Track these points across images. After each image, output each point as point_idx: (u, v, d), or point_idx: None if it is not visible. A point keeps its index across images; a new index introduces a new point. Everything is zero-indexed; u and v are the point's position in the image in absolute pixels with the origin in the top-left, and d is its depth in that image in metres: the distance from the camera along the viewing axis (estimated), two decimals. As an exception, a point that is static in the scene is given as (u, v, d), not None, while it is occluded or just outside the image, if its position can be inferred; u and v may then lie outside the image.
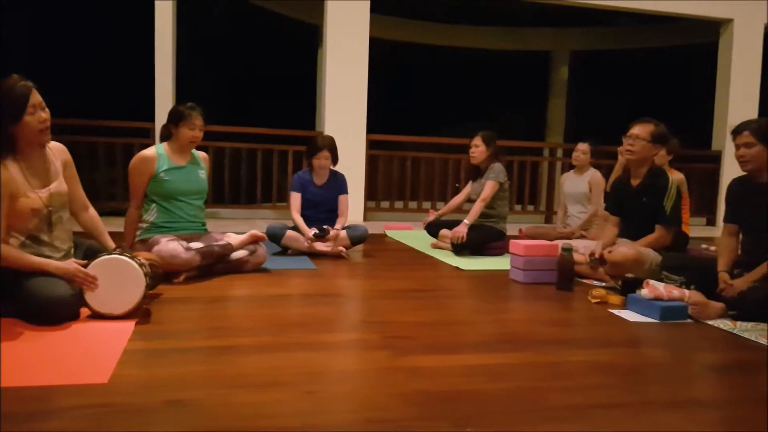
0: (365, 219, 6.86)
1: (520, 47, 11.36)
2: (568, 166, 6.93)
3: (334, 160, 4.41)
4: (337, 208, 4.41)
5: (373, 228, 5.84)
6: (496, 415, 1.70)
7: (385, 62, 9.75)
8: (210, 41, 9.56)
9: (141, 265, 2.52)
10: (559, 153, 8.56)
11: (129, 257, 2.53)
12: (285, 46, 9.90)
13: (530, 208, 7.75)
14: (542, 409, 1.76)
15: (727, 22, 7.71)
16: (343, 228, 4.34)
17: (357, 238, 4.37)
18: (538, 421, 1.68)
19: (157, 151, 3.44)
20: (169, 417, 1.61)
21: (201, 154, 3.67)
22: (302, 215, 4.34)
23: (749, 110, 7.61)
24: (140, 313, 2.50)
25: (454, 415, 1.68)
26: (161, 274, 2.87)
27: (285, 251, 4.33)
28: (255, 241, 3.62)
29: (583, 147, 5.11)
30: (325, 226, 4.25)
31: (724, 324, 2.77)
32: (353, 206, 6.09)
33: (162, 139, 3.56)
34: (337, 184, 4.45)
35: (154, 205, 3.42)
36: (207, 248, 3.36)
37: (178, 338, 2.33)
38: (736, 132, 3.00)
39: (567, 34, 11.20)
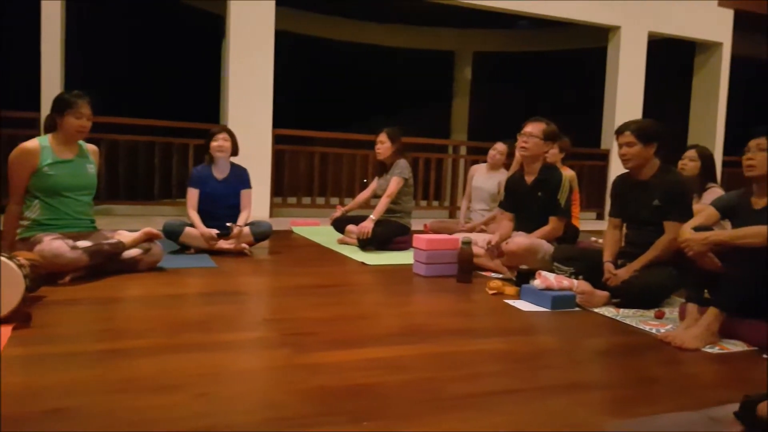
0: (271, 215, 6.74)
1: (426, 46, 11.56)
2: (471, 162, 7.15)
3: (234, 148, 4.29)
4: (239, 204, 4.29)
5: (280, 224, 5.75)
6: (395, 407, 1.72)
7: (293, 56, 9.61)
8: (105, 27, 9.03)
9: (20, 265, 2.35)
10: (463, 150, 8.80)
11: (6, 257, 2.34)
12: (187, 35, 9.52)
13: (435, 203, 7.92)
14: (440, 399, 1.80)
15: (615, 29, 8.22)
16: (246, 224, 4.23)
17: (261, 234, 4.29)
18: (436, 410, 1.71)
19: (40, 144, 3.20)
20: (49, 427, 1.50)
21: (90, 147, 3.45)
22: (203, 211, 4.19)
23: (634, 111, 8.16)
24: (19, 317, 2.32)
25: (353, 409, 1.68)
26: (43, 275, 2.69)
27: (184, 249, 4.17)
28: (149, 238, 3.45)
29: (501, 147, 5.09)
30: (228, 224, 4.13)
31: (609, 311, 2.95)
32: (259, 202, 5.97)
33: (46, 131, 3.32)
34: (239, 178, 4.33)
35: (36, 201, 3.18)
36: (95, 247, 3.16)
37: (62, 342, 2.18)
38: (619, 132, 3.19)
39: (470, 35, 11.52)
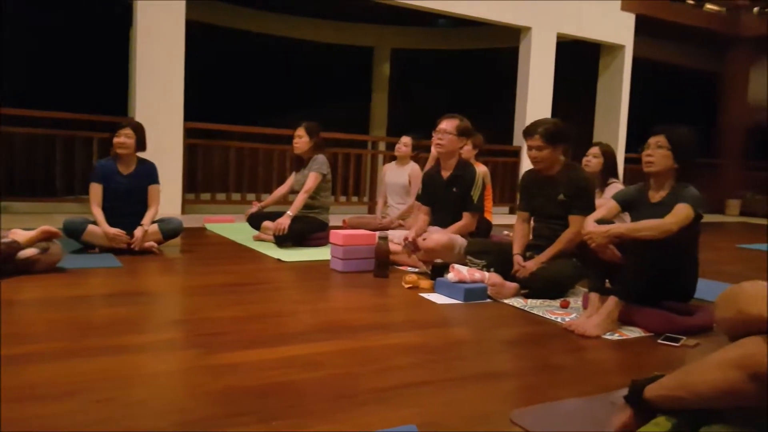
0: (184, 212, 6.51)
1: (345, 41, 11.54)
2: (390, 158, 7.20)
3: (140, 143, 4.09)
4: (147, 200, 4.11)
5: (192, 221, 5.57)
6: (307, 405, 1.70)
7: (206, 48, 9.30)
8: (3, 14, 8.40)
9: None
10: (382, 146, 8.85)
11: None
12: (93, 22, 9.02)
13: (354, 199, 7.92)
14: (353, 394, 1.80)
15: (526, 29, 8.52)
16: (154, 221, 4.06)
17: (170, 231, 4.12)
18: (349, 406, 1.71)
19: None
20: (-75, 444, 1.38)
21: (-20, 140, 3.20)
22: (109, 208, 3.97)
23: (544, 110, 8.51)
24: None
25: (263, 409, 1.65)
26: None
27: (87, 248, 3.94)
28: (47, 237, 3.24)
29: (405, 140, 5.44)
30: (127, 236, 3.92)
31: (518, 302, 3.06)
32: (170, 198, 5.76)
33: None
34: (146, 173, 4.12)
35: None
36: (-13, 247, 2.95)
37: (-54, 351, 2.01)
38: (528, 134, 3.26)
39: (388, 31, 11.60)
